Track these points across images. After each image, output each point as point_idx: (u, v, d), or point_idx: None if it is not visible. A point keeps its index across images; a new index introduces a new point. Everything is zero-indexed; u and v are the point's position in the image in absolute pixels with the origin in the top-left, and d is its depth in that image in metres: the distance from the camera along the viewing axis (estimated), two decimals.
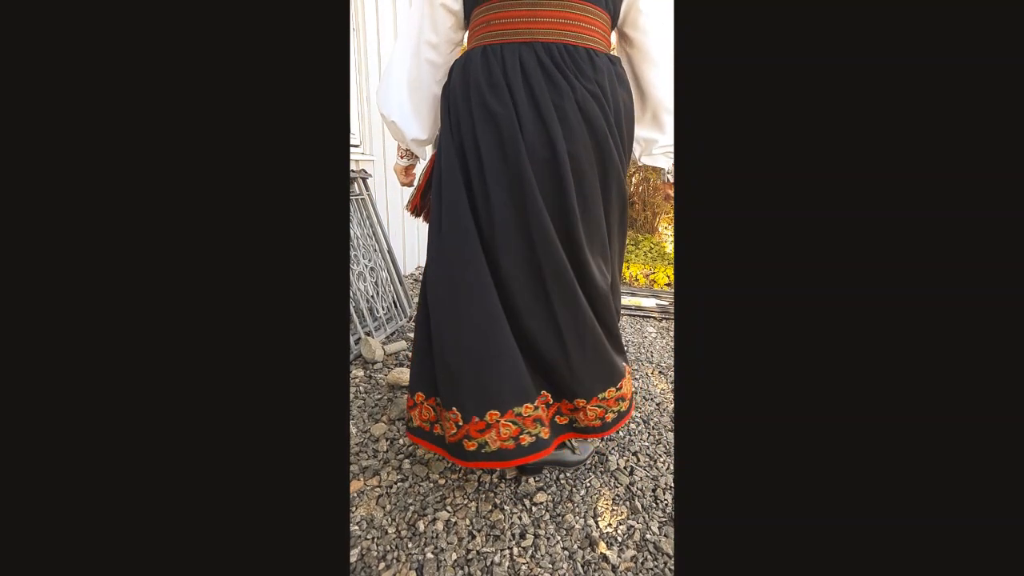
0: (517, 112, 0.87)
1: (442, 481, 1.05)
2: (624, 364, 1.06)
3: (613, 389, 1.00)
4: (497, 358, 0.87)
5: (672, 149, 1.08)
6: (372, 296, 1.86)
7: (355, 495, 1.00)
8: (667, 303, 2.46)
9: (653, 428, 1.31)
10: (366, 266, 1.85)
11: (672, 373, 1.67)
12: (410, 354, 1.32)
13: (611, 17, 0.95)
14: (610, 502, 1.01)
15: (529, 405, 0.90)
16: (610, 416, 1.01)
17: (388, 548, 0.88)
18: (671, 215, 4.62)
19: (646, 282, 3.00)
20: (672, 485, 1.08)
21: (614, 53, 0.99)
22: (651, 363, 1.76)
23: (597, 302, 0.97)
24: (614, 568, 0.85)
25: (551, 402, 0.99)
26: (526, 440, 0.89)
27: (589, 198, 0.92)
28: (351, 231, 1.79)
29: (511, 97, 0.88)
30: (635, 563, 0.86)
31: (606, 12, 0.93)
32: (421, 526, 0.92)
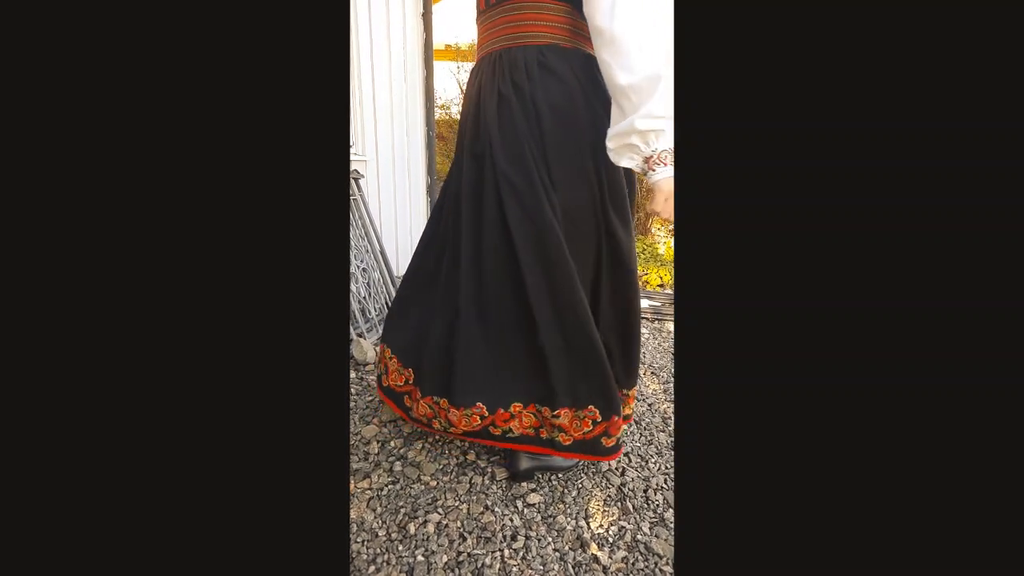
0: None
1: (433, 483, 1.05)
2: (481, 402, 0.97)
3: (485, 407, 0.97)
4: (410, 320, 1.09)
5: (630, 142, 0.82)
6: (364, 297, 1.85)
7: None
8: (660, 304, 2.47)
9: (645, 429, 1.31)
10: (358, 267, 1.84)
11: (664, 374, 1.68)
12: None
13: (573, 5, 0.88)
14: (601, 503, 1.01)
15: (408, 369, 1.07)
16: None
17: (378, 551, 0.87)
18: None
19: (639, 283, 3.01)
20: (664, 486, 1.08)
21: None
22: (643, 364, 1.76)
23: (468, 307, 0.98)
24: (605, 569, 0.85)
25: (421, 396, 1.03)
26: (395, 384, 1.10)
27: (480, 205, 0.96)
28: None
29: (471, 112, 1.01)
30: (626, 564, 0.86)
31: (562, 2, 0.89)
32: (412, 528, 0.92)
